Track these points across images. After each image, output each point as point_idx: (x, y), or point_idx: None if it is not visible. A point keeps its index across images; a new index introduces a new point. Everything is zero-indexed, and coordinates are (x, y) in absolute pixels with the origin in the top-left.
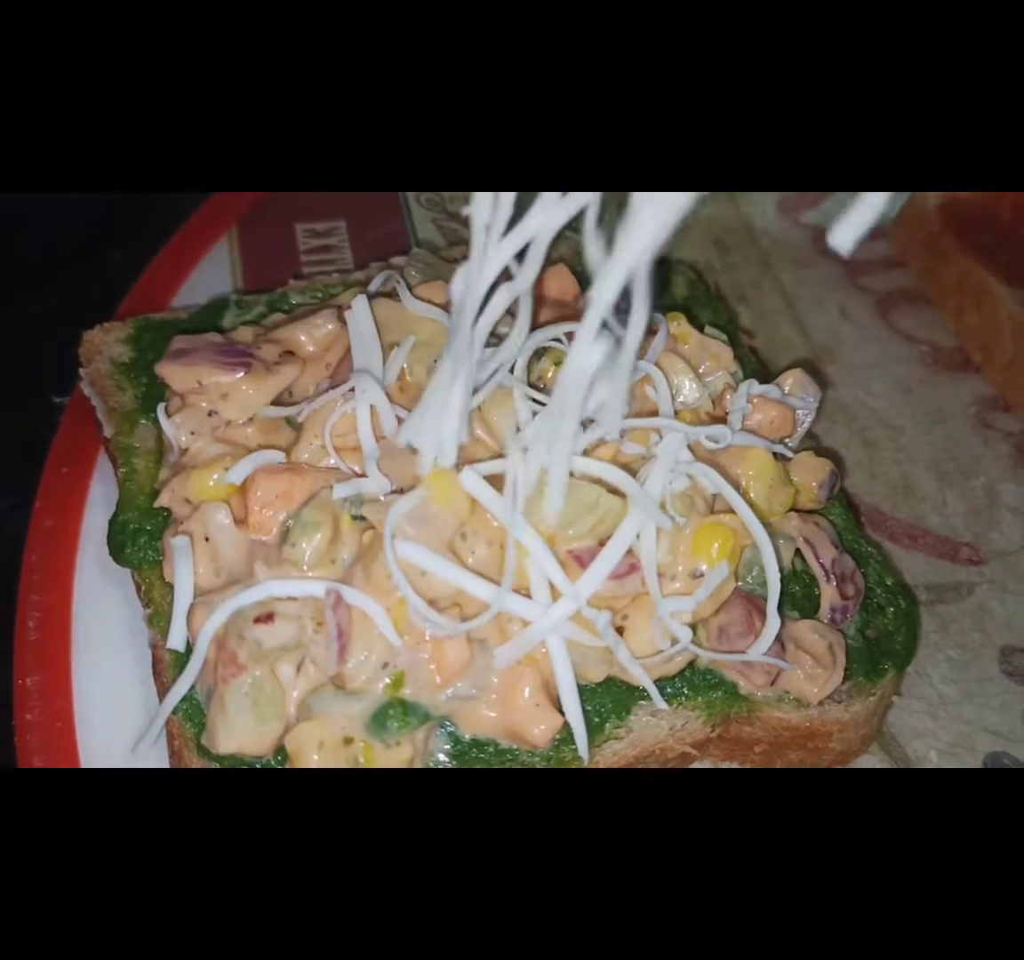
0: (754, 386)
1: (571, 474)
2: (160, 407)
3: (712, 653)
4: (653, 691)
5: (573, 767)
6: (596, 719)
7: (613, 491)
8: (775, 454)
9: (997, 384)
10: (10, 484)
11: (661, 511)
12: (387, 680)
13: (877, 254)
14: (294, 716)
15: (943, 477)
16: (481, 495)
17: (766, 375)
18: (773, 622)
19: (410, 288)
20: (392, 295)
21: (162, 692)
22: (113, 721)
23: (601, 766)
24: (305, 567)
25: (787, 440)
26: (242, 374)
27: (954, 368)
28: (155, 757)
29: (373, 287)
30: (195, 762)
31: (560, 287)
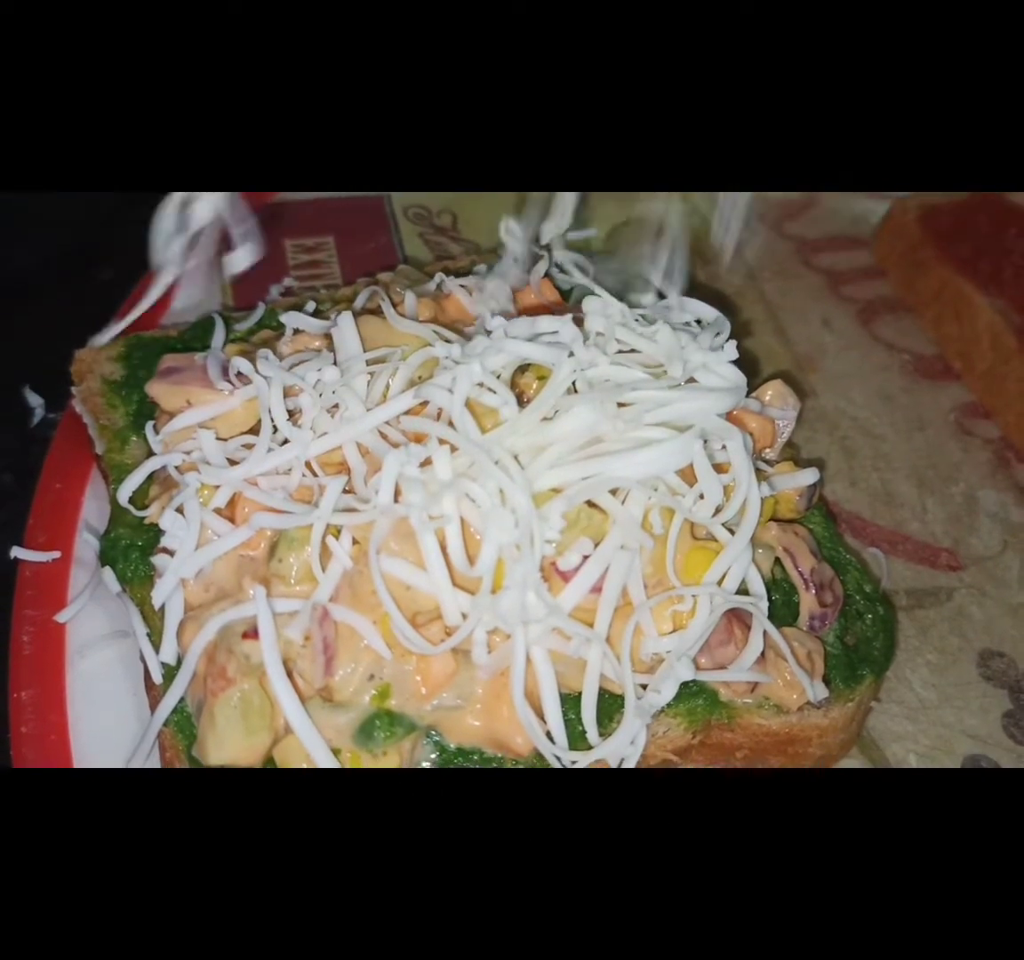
0: None
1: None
2: (149, 426)
3: (697, 673)
4: (633, 700)
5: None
6: (579, 727)
7: (594, 505)
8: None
9: (976, 391)
10: (3, 500)
11: (642, 530)
12: (373, 692)
13: (859, 264)
14: (283, 728)
15: (923, 484)
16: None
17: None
18: (756, 645)
19: (395, 304)
20: (377, 311)
21: (154, 704)
22: (107, 733)
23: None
24: (292, 582)
25: (767, 450)
26: (230, 393)
27: (934, 376)
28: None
29: (358, 303)
30: None
31: (543, 292)
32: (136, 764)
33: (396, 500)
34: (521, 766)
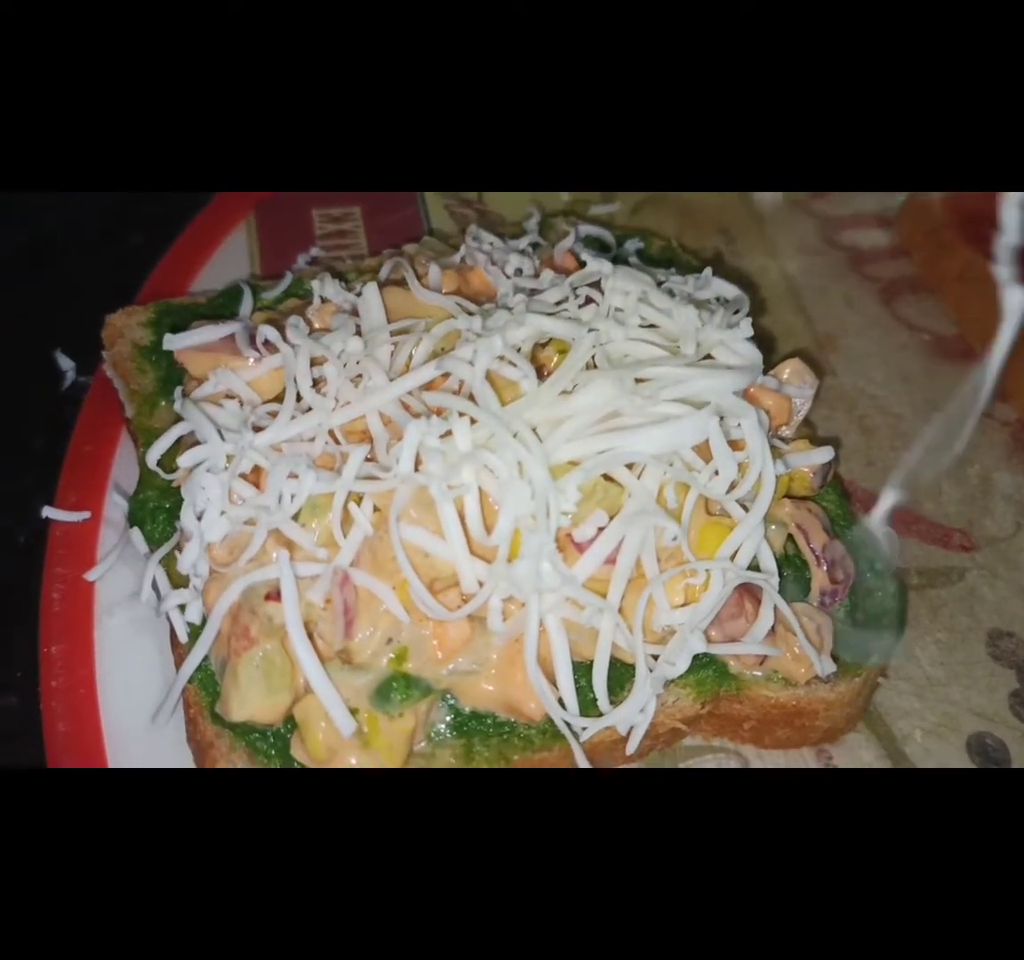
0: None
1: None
2: (178, 391)
3: (708, 646)
4: (644, 670)
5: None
6: (590, 695)
7: (611, 479)
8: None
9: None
10: (36, 462)
11: (657, 505)
12: (391, 655)
13: (882, 244)
14: (303, 688)
15: None
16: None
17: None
18: (767, 619)
19: (419, 276)
20: (402, 283)
21: (179, 662)
22: (133, 688)
23: (594, 741)
24: (314, 547)
25: (783, 428)
26: (257, 361)
27: (955, 357)
28: (173, 724)
29: (383, 274)
30: (209, 729)
31: (567, 265)
32: (161, 720)
33: (416, 469)
34: (533, 730)
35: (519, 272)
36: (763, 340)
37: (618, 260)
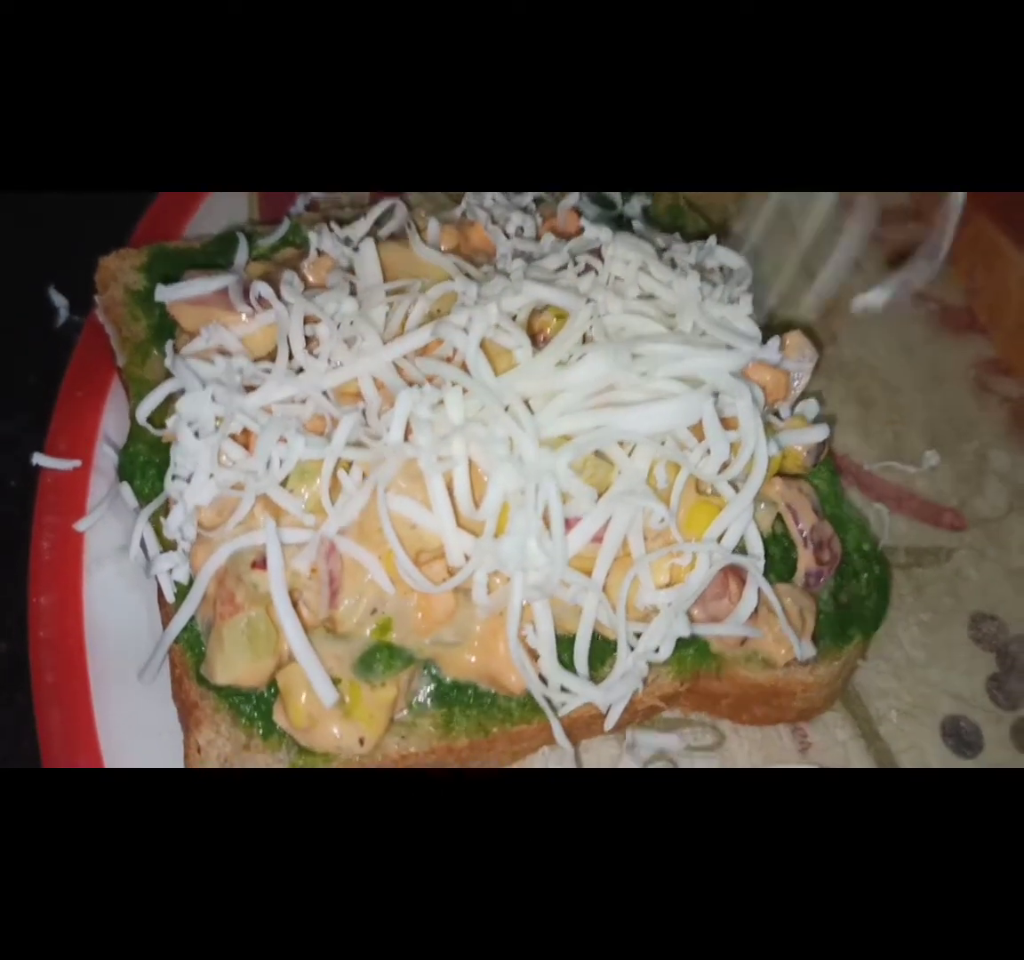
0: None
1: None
2: (169, 345)
3: (691, 626)
4: (626, 650)
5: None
6: (571, 668)
7: (602, 455)
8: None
9: (1001, 347)
10: (27, 405)
11: (645, 485)
12: (375, 625)
13: (896, 204)
14: (287, 655)
15: (936, 440)
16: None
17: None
18: (750, 601)
19: (420, 230)
20: (400, 236)
21: (166, 620)
22: (121, 642)
23: (573, 715)
24: (302, 513)
25: (780, 403)
26: (250, 317)
27: (960, 328)
28: (160, 680)
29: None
30: (194, 690)
31: (569, 224)
32: (148, 677)
33: (407, 438)
34: (513, 702)
35: (520, 231)
36: (766, 308)
37: (622, 219)
